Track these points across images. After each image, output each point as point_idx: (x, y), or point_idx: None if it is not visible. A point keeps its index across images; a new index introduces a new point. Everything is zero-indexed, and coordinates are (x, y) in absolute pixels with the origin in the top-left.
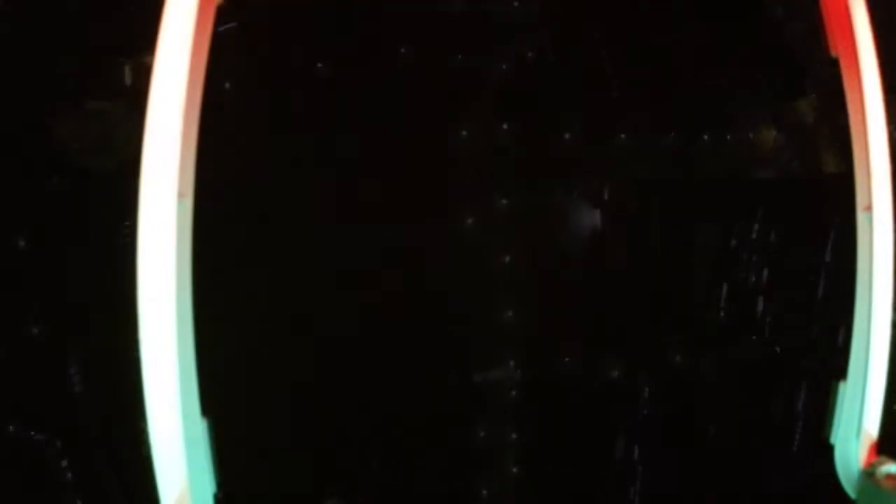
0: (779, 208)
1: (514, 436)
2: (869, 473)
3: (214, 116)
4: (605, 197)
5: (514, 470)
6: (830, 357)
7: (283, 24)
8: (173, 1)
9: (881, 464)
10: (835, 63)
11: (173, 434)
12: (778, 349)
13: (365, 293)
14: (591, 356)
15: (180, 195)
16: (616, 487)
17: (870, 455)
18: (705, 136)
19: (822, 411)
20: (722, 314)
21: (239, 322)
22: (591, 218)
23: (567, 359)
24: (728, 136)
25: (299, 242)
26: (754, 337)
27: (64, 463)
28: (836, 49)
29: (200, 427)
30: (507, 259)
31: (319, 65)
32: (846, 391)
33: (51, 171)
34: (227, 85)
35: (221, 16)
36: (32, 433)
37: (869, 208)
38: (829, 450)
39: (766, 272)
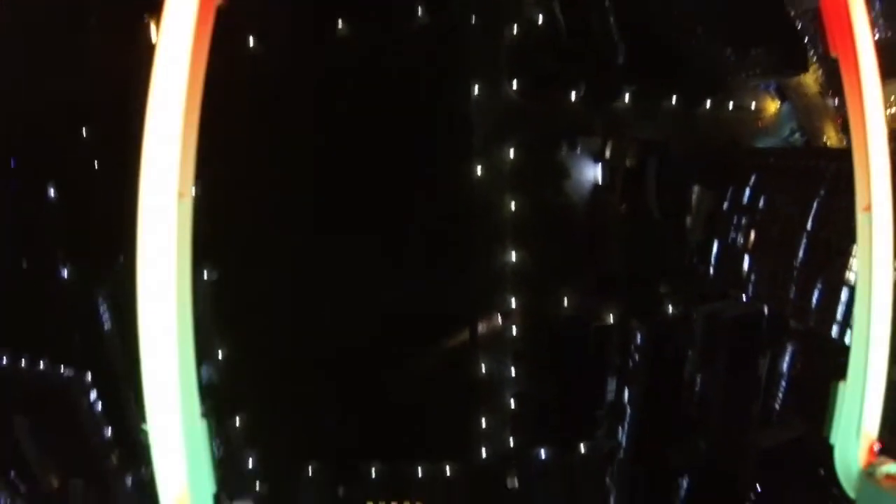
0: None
1: (513, 372)
2: (869, 473)
3: None
4: (607, 155)
5: (512, 404)
6: (817, 318)
7: None
8: (173, 1)
9: (881, 464)
10: (835, 63)
11: (173, 434)
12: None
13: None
14: (588, 301)
15: (180, 195)
16: (606, 426)
17: (870, 455)
18: (707, 103)
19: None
20: (713, 271)
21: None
22: (594, 173)
23: (565, 302)
24: (730, 104)
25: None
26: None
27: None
28: (836, 49)
29: (200, 427)
30: (513, 206)
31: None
32: (846, 391)
33: None
34: None
35: (221, 16)
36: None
37: (868, 208)
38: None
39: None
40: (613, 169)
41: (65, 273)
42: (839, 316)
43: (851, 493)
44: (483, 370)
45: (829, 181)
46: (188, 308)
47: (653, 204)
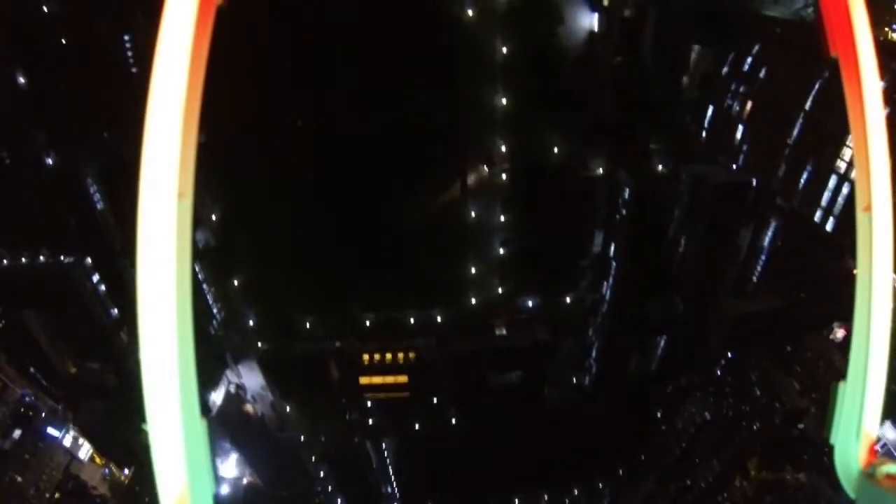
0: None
1: (501, 219)
2: (869, 473)
3: None
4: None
5: (500, 251)
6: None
7: None
8: (173, 1)
9: (881, 464)
10: (835, 63)
11: (173, 434)
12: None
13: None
14: (577, 151)
15: (180, 195)
16: (591, 277)
17: (870, 455)
18: None
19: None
20: (704, 133)
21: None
22: (590, 20)
23: (555, 149)
24: None
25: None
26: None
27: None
28: (836, 49)
29: (200, 427)
30: (504, 49)
31: None
32: (846, 391)
33: None
34: None
35: (221, 16)
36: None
37: (868, 208)
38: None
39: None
40: (611, 17)
41: (49, 160)
42: (823, 201)
43: (851, 494)
44: (472, 217)
45: (833, 64)
46: (188, 308)
47: (649, 57)
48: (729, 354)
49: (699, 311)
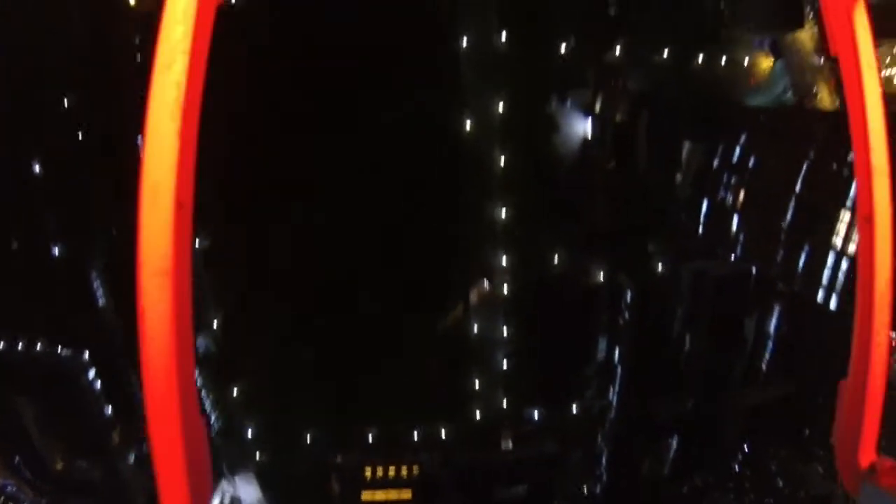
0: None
1: (505, 332)
2: (869, 473)
3: None
4: (597, 108)
5: (504, 364)
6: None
7: None
8: (173, 1)
9: (881, 464)
10: (835, 63)
11: (173, 434)
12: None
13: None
14: (576, 259)
15: (179, 204)
16: (596, 385)
17: (870, 455)
18: (700, 57)
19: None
20: (701, 228)
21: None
22: (583, 127)
23: (555, 260)
24: (722, 58)
25: None
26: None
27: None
28: (836, 49)
29: (200, 427)
30: (503, 160)
31: None
32: (846, 391)
33: None
34: None
35: (221, 16)
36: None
37: (870, 213)
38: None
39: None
40: (603, 123)
41: (56, 251)
42: (824, 280)
43: (852, 494)
44: (475, 331)
45: (819, 143)
46: (188, 311)
47: (642, 158)
48: (745, 447)
49: (710, 406)
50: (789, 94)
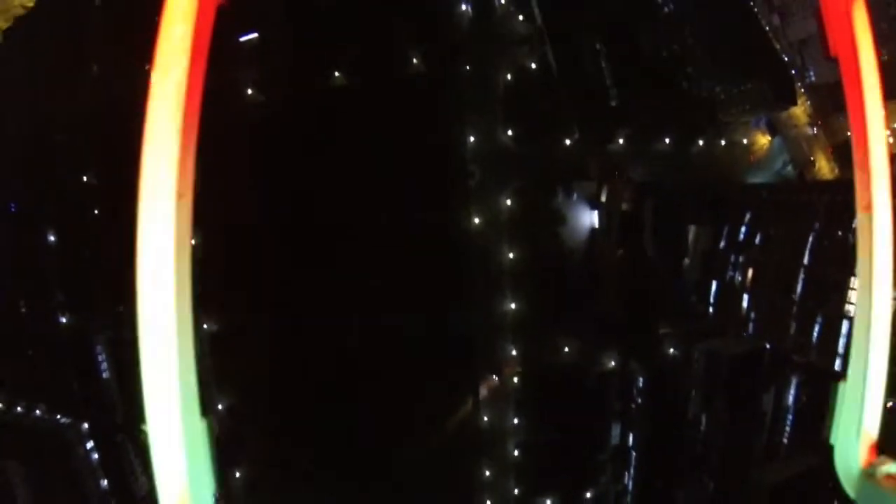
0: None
1: (515, 421)
2: (869, 473)
3: None
4: (603, 198)
5: (515, 454)
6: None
7: None
8: (173, 1)
9: (881, 464)
10: (835, 63)
11: (173, 434)
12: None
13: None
14: (587, 348)
15: (180, 195)
16: (611, 470)
17: (870, 455)
18: (700, 141)
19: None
20: (711, 310)
21: None
22: (590, 217)
23: (565, 349)
24: (721, 141)
25: None
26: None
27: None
28: (836, 49)
29: (200, 427)
30: (510, 254)
31: None
32: (846, 391)
33: None
34: None
35: (221, 16)
36: (58, 417)
37: (868, 208)
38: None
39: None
40: (609, 212)
41: (63, 319)
42: (840, 349)
43: (851, 494)
44: (485, 421)
45: (822, 214)
46: (188, 309)
47: (649, 245)
48: None
49: (731, 485)
50: (789, 168)
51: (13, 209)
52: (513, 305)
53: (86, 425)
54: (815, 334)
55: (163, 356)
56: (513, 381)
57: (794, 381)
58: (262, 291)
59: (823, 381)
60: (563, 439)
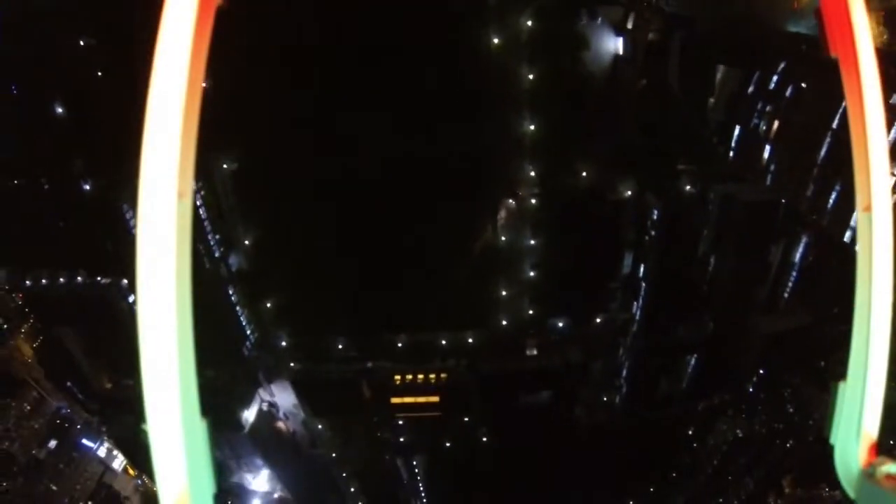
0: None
1: (531, 242)
2: (869, 473)
3: None
4: (629, 25)
5: (531, 273)
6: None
7: None
8: (173, 1)
9: (881, 464)
10: (835, 63)
11: (173, 434)
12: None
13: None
14: (605, 174)
15: (180, 195)
16: (621, 298)
17: (870, 455)
18: None
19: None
20: (732, 154)
21: None
22: (614, 44)
23: (583, 174)
24: None
25: None
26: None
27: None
28: (836, 49)
29: (200, 427)
30: (530, 75)
31: None
32: (846, 391)
33: None
34: None
35: (221, 16)
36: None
37: (868, 208)
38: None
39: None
40: (635, 40)
41: (86, 187)
42: (853, 222)
43: (851, 494)
44: (503, 241)
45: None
46: (188, 308)
47: (674, 79)
48: (761, 372)
49: (730, 329)
50: None
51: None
52: (531, 127)
53: (125, 281)
54: (831, 200)
55: (163, 356)
56: (530, 202)
57: (803, 239)
58: (279, 122)
59: (832, 247)
60: (577, 263)
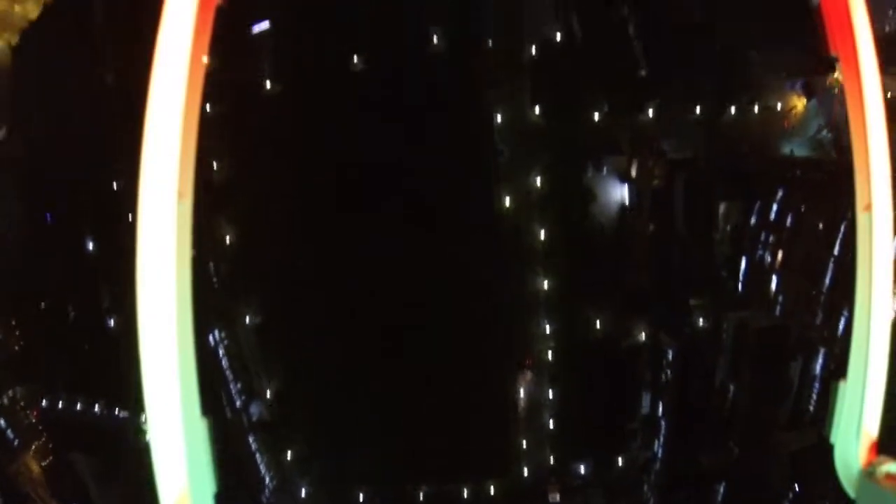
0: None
1: (549, 394)
2: (869, 473)
3: None
4: (633, 173)
5: (551, 425)
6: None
7: None
8: (173, 1)
9: (881, 464)
10: (835, 63)
11: (173, 434)
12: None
13: None
14: (619, 321)
15: (180, 195)
16: (641, 438)
17: (870, 455)
18: (732, 109)
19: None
20: (740, 286)
21: None
22: (620, 193)
23: (598, 324)
24: (755, 107)
25: None
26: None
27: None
28: (836, 49)
29: (200, 427)
30: (542, 232)
31: None
32: (846, 391)
33: None
34: None
35: (221, 16)
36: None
37: (869, 208)
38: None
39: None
40: (640, 187)
41: (111, 321)
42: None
43: (851, 493)
44: (521, 395)
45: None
46: (188, 308)
47: (680, 220)
48: (794, 491)
49: (756, 452)
50: (825, 132)
51: (49, 219)
52: (545, 285)
53: (144, 417)
54: (840, 328)
55: (163, 356)
56: (547, 357)
57: (821, 352)
58: (298, 275)
59: (842, 366)
60: (595, 410)
